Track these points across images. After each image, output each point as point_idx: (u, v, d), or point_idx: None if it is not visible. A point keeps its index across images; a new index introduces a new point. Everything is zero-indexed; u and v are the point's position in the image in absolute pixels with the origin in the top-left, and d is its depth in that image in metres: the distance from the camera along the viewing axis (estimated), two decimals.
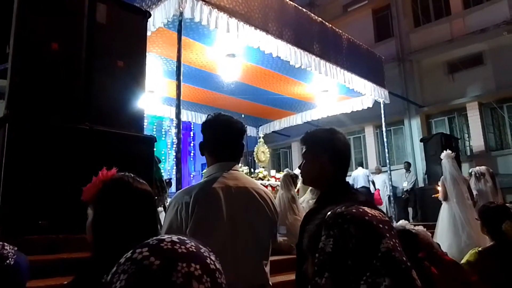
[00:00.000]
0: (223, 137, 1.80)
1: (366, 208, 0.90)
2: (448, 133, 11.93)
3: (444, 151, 5.40)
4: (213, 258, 0.64)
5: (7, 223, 2.24)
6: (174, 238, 0.64)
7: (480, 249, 2.47)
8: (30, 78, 2.54)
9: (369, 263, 0.81)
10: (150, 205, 1.23)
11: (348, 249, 0.84)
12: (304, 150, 1.70)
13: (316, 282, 0.86)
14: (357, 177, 11.01)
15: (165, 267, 0.57)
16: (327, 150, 1.62)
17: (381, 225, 0.86)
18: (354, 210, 0.89)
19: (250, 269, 1.66)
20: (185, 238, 0.65)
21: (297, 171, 4.69)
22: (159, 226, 1.67)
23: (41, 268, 1.98)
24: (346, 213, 0.89)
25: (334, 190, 1.59)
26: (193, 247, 0.63)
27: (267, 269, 1.74)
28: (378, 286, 0.78)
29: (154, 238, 0.64)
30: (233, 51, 5.95)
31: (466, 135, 12.41)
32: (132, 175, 1.24)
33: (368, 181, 10.83)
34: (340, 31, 7.15)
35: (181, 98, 4.44)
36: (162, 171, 10.35)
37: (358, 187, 10.91)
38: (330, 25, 6.92)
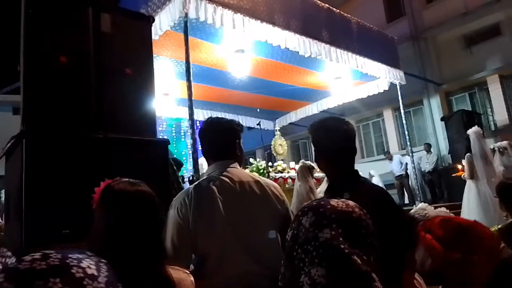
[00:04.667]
0: (215, 139, 1.92)
1: (333, 200, 0.92)
2: (470, 109, 11.64)
3: (473, 127, 5.27)
4: (84, 264, 0.62)
5: (32, 235, 2.31)
6: (36, 255, 0.62)
7: (500, 226, 2.44)
8: (42, 93, 2.60)
9: (310, 251, 0.83)
10: (146, 206, 1.26)
11: (299, 239, 0.86)
12: (312, 142, 1.72)
13: (282, 272, 0.89)
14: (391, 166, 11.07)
15: None
16: (328, 141, 1.62)
17: (333, 216, 0.87)
18: (314, 203, 0.91)
19: (253, 261, 1.68)
20: (51, 252, 0.63)
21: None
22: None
23: None
24: (306, 205, 0.91)
25: (341, 180, 1.59)
26: (56, 261, 0.61)
27: (276, 260, 1.76)
28: (313, 276, 0.80)
29: (18, 258, 0.63)
30: (241, 47, 5.95)
31: (489, 110, 12.06)
32: (127, 179, 1.28)
33: (406, 166, 10.84)
34: (349, 16, 7.05)
35: (193, 98, 4.50)
36: (184, 171, 10.47)
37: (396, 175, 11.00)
38: (338, 11, 6.83)
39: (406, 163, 10.90)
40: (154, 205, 1.29)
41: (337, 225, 0.86)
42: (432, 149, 11.37)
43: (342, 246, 0.83)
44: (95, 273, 0.62)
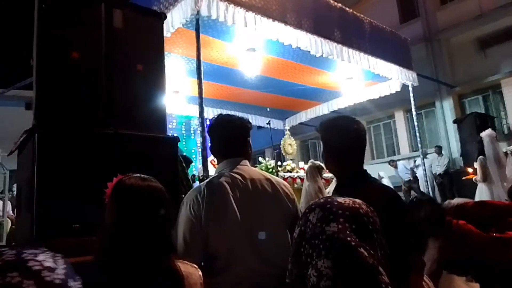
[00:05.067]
0: (226, 136, 1.90)
1: (340, 198, 0.92)
2: (483, 112, 11.49)
3: (486, 130, 5.20)
4: (41, 258, 0.62)
5: (42, 228, 2.34)
6: None
7: None
8: (54, 88, 2.62)
9: (317, 245, 0.83)
10: (156, 201, 1.27)
11: (306, 235, 0.86)
12: (321, 141, 1.71)
13: (289, 269, 0.89)
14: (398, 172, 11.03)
15: None
16: (338, 140, 1.61)
17: (340, 211, 0.87)
18: (322, 200, 0.91)
19: (262, 259, 1.67)
20: (5, 249, 0.63)
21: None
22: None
23: (75, 269, 2.05)
24: (313, 203, 0.91)
25: (349, 180, 1.58)
26: (11, 256, 0.61)
27: (286, 259, 1.75)
28: (320, 268, 0.80)
29: None
30: (253, 45, 5.93)
31: (503, 113, 11.89)
32: (139, 175, 1.30)
33: (412, 171, 10.76)
34: (362, 16, 7.00)
35: (203, 96, 4.49)
36: (194, 170, 10.47)
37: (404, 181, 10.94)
38: (351, 10, 6.79)
39: (411, 168, 10.83)
40: (164, 201, 1.30)
41: (344, 220, 0.86)
42: (443, 152, 11.25)
43: (349, 239, 0.83)
44: (53, 266, 0.62)
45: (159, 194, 1.29)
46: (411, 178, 10.83)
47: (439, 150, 11.09)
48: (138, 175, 1.32)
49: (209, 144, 2.00)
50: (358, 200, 0.94)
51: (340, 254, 0.81)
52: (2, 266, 0.59)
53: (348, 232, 0.85)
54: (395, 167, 11.36)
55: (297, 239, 0.91)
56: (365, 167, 1.67)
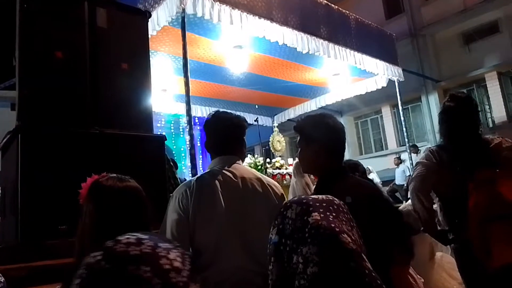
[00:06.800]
0: (221, 133, 1.90)
1: (312, 195, 0.94)
2: None
3: None
4: (172, 256, 0.63)
5: (28, 230, 2.31)
6: (132, 238, 0.64)
7: None
8: (38, 88, 2.59)
9: (301, 237, 0.85)
10: (135, 201, 1.27)
11: (285, 231, 0.88)
12: (298, 138, 1.72)
13: (269, 270, 0.90)
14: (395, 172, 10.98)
15: (113, 271, 0.59)
16: (317, 136, 1.63)
17: (317, 204, 0.90)
18: (296, 198, 0.93)
19: (248, 257, 1.69)
20: (144, 237, 0.65)
21: None
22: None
23: (62, 271, 2.04)
24: (288, 201, 0.93)
25: (330, 176, 1.60)
26: (148, 248, 0.62)
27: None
28: (305, 254, 0.82)
29: (115, 239, 0.65)
30: (239, 43, 5.93)
31: (487, 107, 12.07)
32: (115, 175, 1.30)
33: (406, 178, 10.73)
34: (347, 12, 7.04)
35: (191, 94, 4.48)
36: (183, 168, 10.42)
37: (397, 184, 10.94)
38: (337, 7, 6.81)
39: (407, 176, 10.83)
40: (142, 200, 1.30)
41: (323, 210, 0.90)
42: (420, 149, 11.27)
43: (333, 225, 0.86)
44: (180, 266, 0.63)
45: (137, 194, 1.29)
46: (404, 186, 10.85)
47: (415, 149, 11.05)
48: (115, 175, 1.31)
49: (204, 140, 1.98)
50: (329, 196, 0.98)
51: (325, 240, 0.84)
52: (139, 256, 0.60)
53: (331, 219, 0.88)
54: (397, 165, 11.32)
55: (275, 238, 0.93)
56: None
